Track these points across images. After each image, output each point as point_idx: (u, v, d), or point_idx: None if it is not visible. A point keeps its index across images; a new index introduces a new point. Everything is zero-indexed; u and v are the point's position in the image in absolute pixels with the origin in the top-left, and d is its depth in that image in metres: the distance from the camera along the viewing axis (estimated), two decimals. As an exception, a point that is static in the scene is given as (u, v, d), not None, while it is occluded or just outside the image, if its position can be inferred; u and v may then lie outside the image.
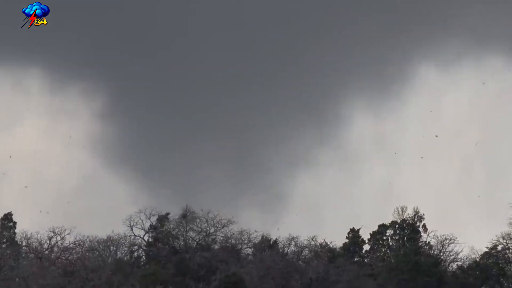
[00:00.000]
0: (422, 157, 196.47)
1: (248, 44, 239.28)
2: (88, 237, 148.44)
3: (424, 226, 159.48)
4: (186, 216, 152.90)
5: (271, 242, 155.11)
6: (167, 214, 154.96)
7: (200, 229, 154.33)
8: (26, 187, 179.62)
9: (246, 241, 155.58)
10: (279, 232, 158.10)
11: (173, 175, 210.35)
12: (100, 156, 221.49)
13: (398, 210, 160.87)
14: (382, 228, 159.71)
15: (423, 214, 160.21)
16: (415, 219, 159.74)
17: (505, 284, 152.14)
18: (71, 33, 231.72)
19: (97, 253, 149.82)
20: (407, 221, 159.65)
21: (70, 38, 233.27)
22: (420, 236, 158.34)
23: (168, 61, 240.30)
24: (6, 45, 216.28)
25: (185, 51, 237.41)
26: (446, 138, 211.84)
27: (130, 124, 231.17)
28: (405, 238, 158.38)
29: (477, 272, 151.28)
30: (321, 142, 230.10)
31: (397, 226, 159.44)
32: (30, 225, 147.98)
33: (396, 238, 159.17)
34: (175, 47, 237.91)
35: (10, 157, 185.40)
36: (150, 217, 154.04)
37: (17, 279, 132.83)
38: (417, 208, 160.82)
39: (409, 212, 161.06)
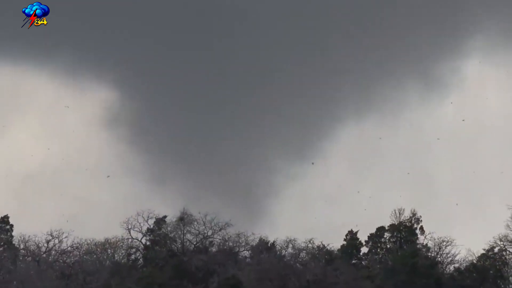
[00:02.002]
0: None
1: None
2: (85, 240, 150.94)
3: (421, 228, 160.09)
4: (184, 219, 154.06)
5: (269, 245, 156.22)
6: (164, 217, 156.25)
7: (197, 232, 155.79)
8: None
9: (243, 244, 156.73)
10: (277, 234, 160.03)
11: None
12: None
13: (395, 212, 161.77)
14: (380, 230, 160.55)
15: (420, 216, 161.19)
16: (412, 221, 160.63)
17: (502, 286, 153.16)
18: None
19: (94, 256, 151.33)
20: (404, 223, 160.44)
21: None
22: (417, 238, 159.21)
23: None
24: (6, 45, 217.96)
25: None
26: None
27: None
28: (403, 240, 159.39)
29: (474, 274, 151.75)
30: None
31: (395, 229, 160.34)
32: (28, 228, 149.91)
33: (393, 240, 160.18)
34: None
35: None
36: (147, 219, 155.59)
37: (14, 282, 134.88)
38: (414, 210, 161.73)
39: (406, 214, 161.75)
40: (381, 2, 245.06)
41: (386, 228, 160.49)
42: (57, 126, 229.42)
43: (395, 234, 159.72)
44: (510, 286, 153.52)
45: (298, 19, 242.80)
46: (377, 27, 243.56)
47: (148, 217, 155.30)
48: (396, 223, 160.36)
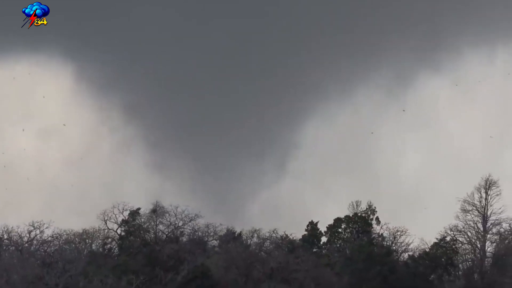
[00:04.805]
0: None
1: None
2: (65, 230, 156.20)
3: (377, 219, 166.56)
4: (156, 211, 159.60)
5: (235, 235, 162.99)
6: (138, 209, 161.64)
7: (169, 223, 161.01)
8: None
9: (212, 234, 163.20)
10: (242, 225, 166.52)
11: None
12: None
13: (353, 204, 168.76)
14: (338, 221, 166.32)
15: (375, 207, 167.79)
16: (369, 213, 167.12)
17: (453, 272, 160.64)
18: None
19: (73, 245, 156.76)
20: (359, 215, 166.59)
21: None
22: (372, 228, 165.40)
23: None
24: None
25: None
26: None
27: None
28: (360, 230, 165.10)
29: (427, 262, 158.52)
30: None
31: (350, 219, 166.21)
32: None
33: (350, 230, 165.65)
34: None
35: None
36: (122, 211, 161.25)
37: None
38: (370, 202, 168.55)
39: (363, 206, 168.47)
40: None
41: (342, 218, 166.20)
42: (44, 120, 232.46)
43: (350, 225, 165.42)
44: (460, 273, 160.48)
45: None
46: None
47: (123, 209, 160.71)
48: (351, 215, 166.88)
